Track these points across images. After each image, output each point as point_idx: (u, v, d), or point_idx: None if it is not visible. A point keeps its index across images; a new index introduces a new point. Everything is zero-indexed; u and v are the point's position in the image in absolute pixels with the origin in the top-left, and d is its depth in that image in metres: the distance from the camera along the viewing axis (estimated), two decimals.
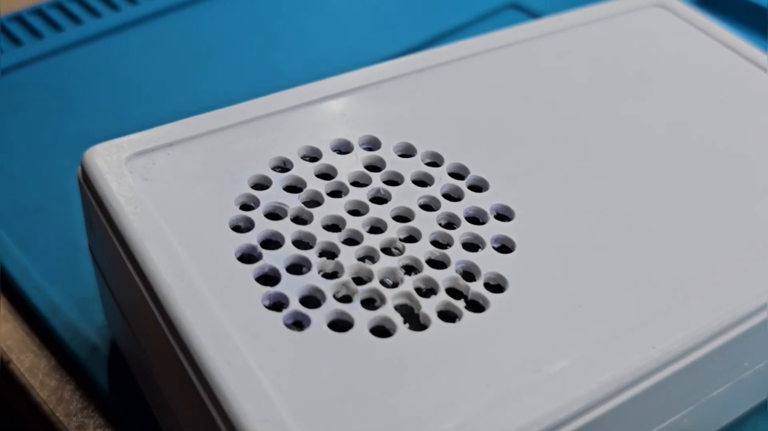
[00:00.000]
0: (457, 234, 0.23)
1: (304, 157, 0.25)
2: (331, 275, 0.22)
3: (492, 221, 0.23)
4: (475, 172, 0.25)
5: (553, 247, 0.23)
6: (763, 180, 0.25)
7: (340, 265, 0.22)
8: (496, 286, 0.22)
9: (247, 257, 0.22)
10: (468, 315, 0.21)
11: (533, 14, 0.45)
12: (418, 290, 0.21)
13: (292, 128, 0.25)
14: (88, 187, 0.23)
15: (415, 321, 0.21)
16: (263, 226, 0.22)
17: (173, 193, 0.23)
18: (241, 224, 0.23)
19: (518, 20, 0.43)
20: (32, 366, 0.28)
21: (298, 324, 0.20)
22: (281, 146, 0.25)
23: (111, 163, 0.23)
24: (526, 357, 0.20)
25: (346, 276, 0.21)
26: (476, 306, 0.21)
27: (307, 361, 0.19)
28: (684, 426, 0.24)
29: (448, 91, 0.28)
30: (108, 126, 0.35)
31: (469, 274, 0.22)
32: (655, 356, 0.20)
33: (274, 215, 0.23)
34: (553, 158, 0.25)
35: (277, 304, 0.21)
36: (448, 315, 0.21)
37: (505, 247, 0.23)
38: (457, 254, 0.22)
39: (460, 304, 0.21)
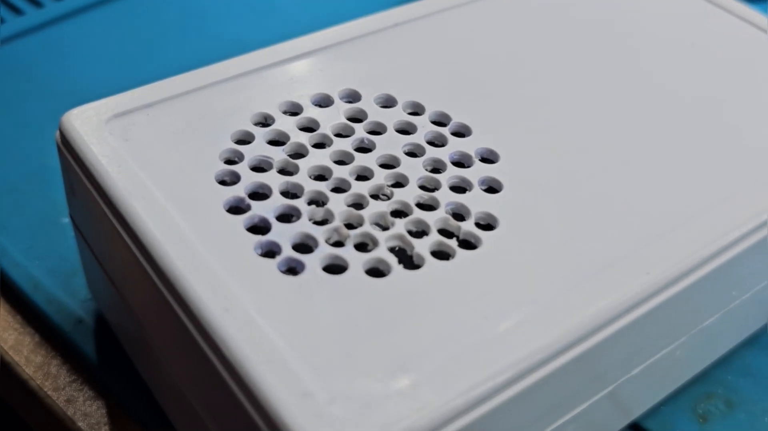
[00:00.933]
0: (444, 178, 0.23)
1: (285, 112, 0.25)
2: (322, 222, 0.21)
3: (477, 164, 0.23)
4: (457, 118, 0.25)
5: (540, 186, 0.23)
6: (739, 114, 0.26)
7: (330, 212, 0.22)
8: (487, 225, 0.22)
9: (236, 209, 0.22)
10: (461, 253, 0.21)
11: None
12: (410, 232, 0.21)
13: (271, 85, 0.25)
14: (67, 150, 0.23)
15: (409, 261, 0.21)
16: (250, 179, 0.22)
17: (155, 151, 0.23)
18: (227, 178, 0.22)
19: None
20: (16, 344, 0.27)
21: (292, 270, 0.20)
22: (261, 103, 0.25)
23: (90, 125, 0.23)
24: (522, 290, 0.20)
25: (337, 222, 0.21)
26: (468, 244, 0.21)
27: (304, 304, 0.19)
28: (676, 358, 0.24)
29: (424, 45, 0.27)
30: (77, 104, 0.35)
31: (458, 215, 0.22)
32: (650, 281, 0.20)
33: (259, 168, 0.23)
34: (533, 103, 0.26)
35: (270, 252, 0.21)
36: (441, 254, 0.21)
37: (492, 188, 0.23)
38: (445, 197, 0.22)
39: (453, 243, 0.21)
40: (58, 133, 0.24)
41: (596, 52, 0.28)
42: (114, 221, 0.21)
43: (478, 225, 0.22)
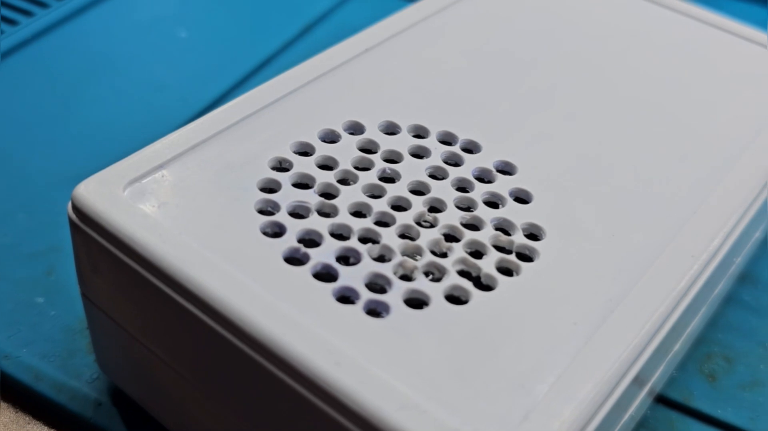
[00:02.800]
0: (476, 196, 0.23)
1: (298, 153, 0.24)
2: (380, 258, 0.21)
3: (500, 177, 0.24)
4: (463, 135, 0.25)
5: (567, 189, 0.24)
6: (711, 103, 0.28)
7: (387, 248, 0.21)
8: (533, 235, 0.23)
9: (294, 260, 0.21)
10: (525, 267, 0.22)
11: None
12: (470, 254, 0.22)
13: (274, 126, 0.25)
14: (89, 226, 0.21)
15: (479, 282, 0.21)
16: (294, 226, 0.22)
17: (188, 213, 0.22)
18: (271, 229, 0.22)
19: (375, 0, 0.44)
20: None
21: (374, 312, 0.20)
22: (273, 146, 0.24)
23: (109, 196, 0.22)
24: (593, 291, 0.21)
25: (398, 257, 0.21)
26: (526, 257, 0.22)
27: (404, 344, 0.19)
28: (695, 328, 0.26)
29: (403, 65, 0.28)
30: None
31: (504, 230, 0.23)
32: (698, 264, 0.22)
33: (298, 214, 0.22)
34: (527, 109, 0.27)
35: (346, 298, 0.20)
36: (507, 271, 0.21)
37: (521, 199, 0.24)
38: (485, 213, 0.23)
39: (513, 258, 0.22)
40: (70, 209, 0.22)
41: (573, 52, 0.29)
42: (172, 293, 0.20)
43: (528, 236, 0.22)
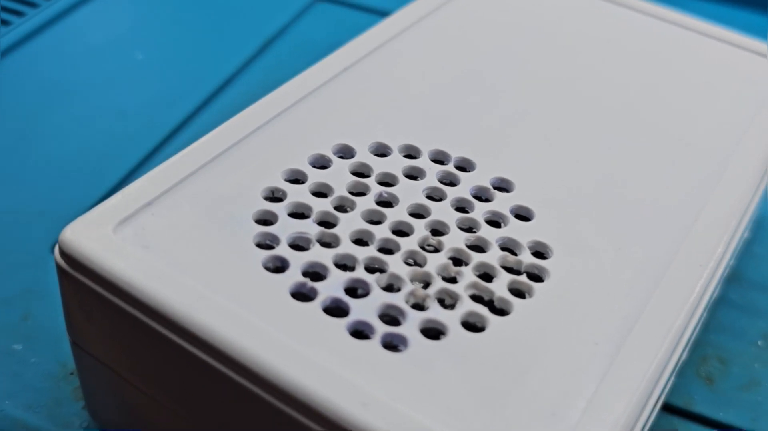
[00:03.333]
0: (477, 216, 0.23)
1: (290, 180, 0.23)
2: (390, 288, 0.21)
3: (498, 194, 0.24)
4: (456, 153, 0.25)
5: (566, 203, 0.23)
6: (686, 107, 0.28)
7: (395, 277, 0.21)
8: (542, 254, 0.22)
9: (302, 295, 0.20)
10: (537, 287, 0.21)
11: (340, 3, 0.45)
12: (480, 277, 0.21)
13: (263, 154, 0.24)
14: (81, 272, 0.20)
15: (495, 308, 0.21)
16: (297, 259, 0.21)
17: (184, 252, 0.21)
18: (272, 264, 0.21)
19: (332, 12, 0.44)
20: None
21: (391, 346, 0.19)
22: (263, 175, 0.23)
23: (100, 239, 0.20)
24: (609, 306, 0.21)
25: (407, 285, 0.21)
26: (536, 277, 0.21)
27: (426, 377, 0.19)
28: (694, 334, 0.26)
29: (384, 84, 0.27)
30: None
31: (510, 250, 0.22)
32: (707, 272, 0.22)
33: (299, 246, 0.21)
34: (515, 122, 0.26)
35: (361, 333, 0.19)
36: (519, 293, 0.21)
37: (524, 216, 0.23)
38: (488, 234, 0.22)
39: (524, 279, 0.21)
40: (57, 255, 0.21)
41: (555, 62, 0.29)
42: (177, 339, 0.19)
43: (535, 255, 0.22)
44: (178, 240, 0.21)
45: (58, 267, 0.21)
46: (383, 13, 0.43)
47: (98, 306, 0.20)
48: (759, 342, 0.30)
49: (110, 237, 0.21)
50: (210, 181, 0.23)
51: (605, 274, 0.22)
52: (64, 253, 0.20)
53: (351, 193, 0.23)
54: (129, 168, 0.33)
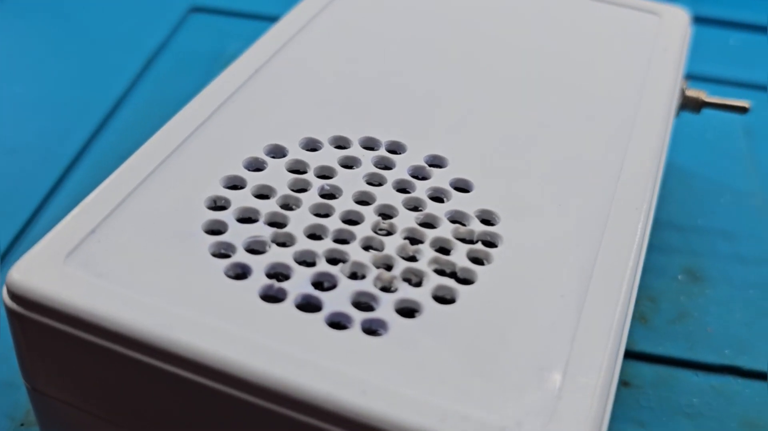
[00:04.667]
0: (420, 194, 0.23)
1: (230, 187, 0.23)
2: (355, 276, 0.21)
3: (435, 171, 0.24)
4: (385, 138, 0.25)
5: (500, 169, 0.24)
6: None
7: (357, 264, 0.21)
8: (489, 221, 0.23)
9: (271, 297, 0.20)
10: (494, 252, 0.22)
11: (215, 11, 0.45)
12: (438, 251, 0.22)
13: (195, 167, 0.23)
14: (38, 312, 0.19)
15: (459, 278, 0.21)
16: (258, 263, 0.21)
17: (142, 273, 0.20)
18: (233, 271, 0.20)
19: (208, 21, 0.43)
20: None
21: (371, 331, 0.19)
22: (201, 187, 0.23)
23: (52, 274, 0.20)
24: (564, 260, 0.21)
25: (372, 271, 0.21)
26: (490, 244, 0.22)
27: (416, 356, 0.19)
28: None
29: (299, 79, 0.27)
30: None
31: (459, 222, 0.23)
32: (642, 216, 0.23)
33: (255, 251, 0.21)
34: (433, 99, 0.27)
35: (338, 323, 0.20)
36: (479, 261, 0.22)
37: (463, 188, 0.24)
38: (435, 209, 0.23)
39: (480, 247, 0.22)
40: (6, 298, 0.20)
41: (462, 35, 0.30)
42: (158, 362, 0.19)
43: (484, 222, 0.23)
44: (133, 264, 0.20)
45: (10, 311, 0.20)
46: (260, 17, 0.43)
47: (61, 344, 0.19)
48: (679, 277, 0.32)
49: (62, 271, 0.20)
50: (150, 200, 0.22)
51: (553, 230, 0.22)
52: (14, 295, 0.19)
53: (293, 190, 0.23)
54: (34, 206, 0.32)
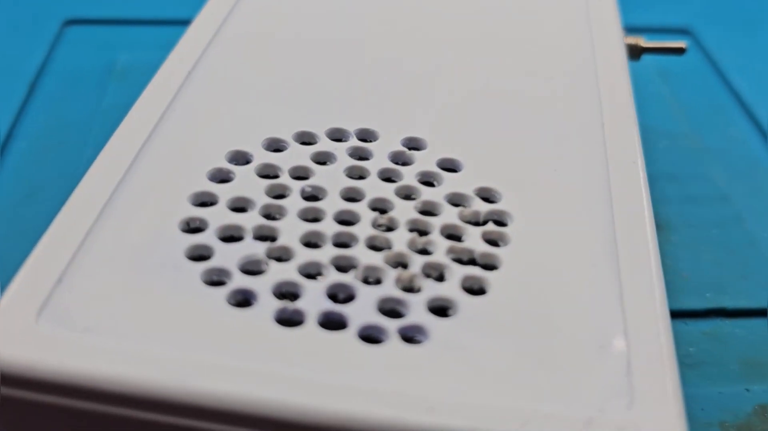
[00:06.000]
0: (408, 181, 0.21)
1: (200, 204, 0.20)
2: (369, 281, 0.19)
3: (416, 154, 0.22)
4: (353, 127, 0.23)
5: (482, 144, 0.23)
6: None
7: (371, 269, 0.19)
8: (490, 199, 0.21)
9: (288, 321, 0.17)
10: (507, 232, 0.20)
11: (93, 22, 0.41)
12: (449, 238, 0.20)
13: (155, 186, 0.20)
14: (16, 385, 0.16)
15: (483, 265, 0.19)
16: (262, 285, 0.18)
17: (133, 319, 0.17)
18: (235, 299, 0.18)
19: (86, 33, 0.39)
20: None
21: (411, 339, 0.17)
22: (169, 209, 0.20)
23: (28, 340, 0.16)
24: (580, 223, 0.20)
25: (388, 272, 0.19)
26: (501, 223, 0.20)
27: (467, 360, 0.17)
28: None
29: (239, 76, 0.24)
30: None
31: (460, 204, 0.21)
32: (640, 167, 0.22)
33: (252, 271, 0.19)
34: (390, 80, 0.25)
35: (372, 338, 0.17)
36: (495, 243, 0.20)
37: (451, 168, 0.22)
38: (430, 195, 0.21)
39: (493, 228, 0.20)
40: None
41: (383, 14, 0.28)
42: (176, 419, 0.16)
43: (485, 200, 0.21)
44: (117, 310, 0.17)
45: None
46: (142, 23, 0.40)
47: (53, 420, 0.16)
48: None
49: (39, 333, 0.16)
50: (115, 232, 0.19)
51: (558, 197, 0.21)
52: None
53: (272, 197, 0.21)
54: None
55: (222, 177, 0.21)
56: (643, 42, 0.30)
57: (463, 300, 0.18)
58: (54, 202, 0.29)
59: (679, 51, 0.30)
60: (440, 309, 0.18)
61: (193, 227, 0.20)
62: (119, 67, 0.37)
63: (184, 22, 0.41)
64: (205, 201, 0.20)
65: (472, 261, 0.19)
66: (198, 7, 0.41)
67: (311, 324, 0.17)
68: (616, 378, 0.16)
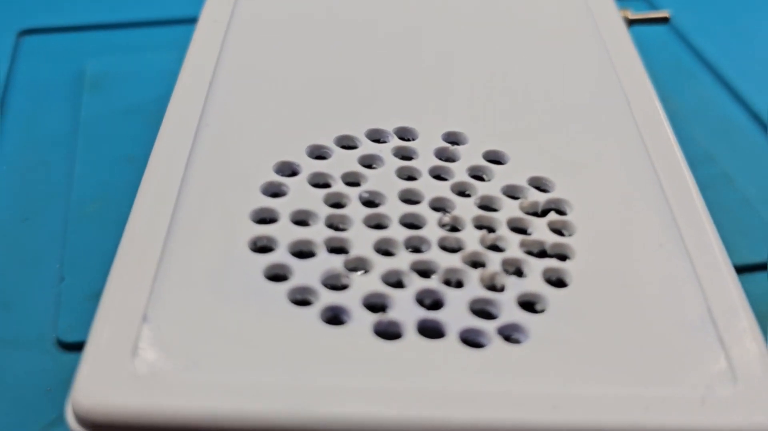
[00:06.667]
0: (462, 176, 0.21)
1: (260, 221, 0.20)
2: (455, 283, 0.19)
3: (461, 150, 0.22)
4: (390, 126, 0.23)
5: (521, 134, 0.23)
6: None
7: (451, 270, 0.19)
8: (544, 189, 0.21)
9: (386, 334, 0.17)
10: (571, 220, 0.20)
11: (51, 30, 0.39)
12: (514, 231, 0.20)
13: (211, 208, 0.20)
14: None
15: (556, 254, 0.19)
16: (350, 300, 0.18)
17: (232, 352, 0.17)
18: (326, 316, 0.18)
19: (45, 43, 0.38)
20: None
21: (511, 339, 0.17)
22: (231, 229, 0.19)
23: (126, 386, 0.16)
24: (635, 205, 0.20)
25: (471, 273, 0.19)
26: (560, 211, 0.21)
27: (573, 353, 0.17)
28: None
29: (261, 84, 0.24)
30: None
31: (514, 196, 0.21)
32: (675, 148, 0.23)
33: (335, 286, 0.18)
34: (411, 75, 0.25)
35: (474, 342, 0.17)
36: (561, 233, 0.20)
37: (497, 161, 0.22)
38: (485, 189, 0.21)
39: (555, 217, 0.20)
40: (76, 427, 0.16)
41: (388, 14, 0.27)
42: None
43: (539, 189, 0.21)
44: (213, 341, 0.17)
45: None
46: (103, 27, 0.38)
47: None
48: None
49: (141, 377, 0.16)
50: (185, 260, 0.18)
51: (610, 181, 0.21)
52: (91, 424, 0.15)
53: (331, 206, 0.20)
54: None
55: (275, 191, 0.21)
56: (631, 14, 0.31)
57: (550, 293, 0.18)
58: (54, 226, 0.28)
59: (664, 20, 0.31)
60: (529, 305, 0.18)
61: (261, 246, 0.19)
62: (89, 75, 0.35)
63: (146, 24, 0.40)
64: (265, 217, 0.20)
65: (543, 253, 0.19)
66: (156, 8, 0.40)
67: (411, 334, 0.17)
68: (713, 354, 0.17)
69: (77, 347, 0.25)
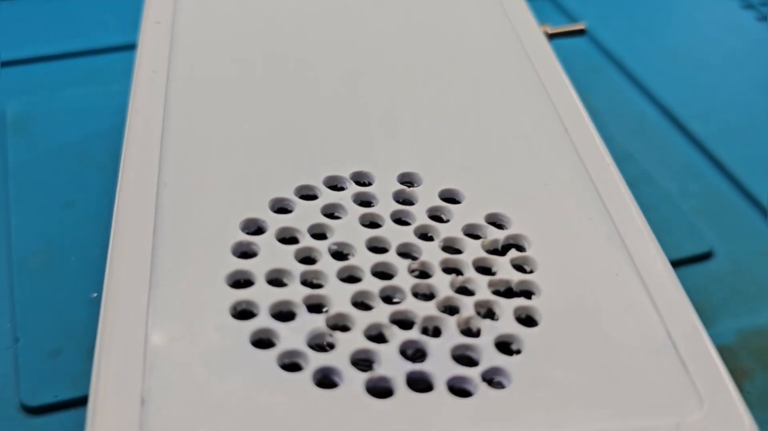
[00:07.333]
0: (422, 219, 0.22)
1: (234, 285, 0.20)
2: (432, 331, 0.19)
3: (415, 191, 0.23)
4: (346, 172, 0.23)
5: (471, 168, 0.24)
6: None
7: (429, 319, 0.20)
8: (500, 225, 0.22)
9: (376, 390, 0.18)
10: (532, 256, 0.21)
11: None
12: (479, 271, 0.21)
13: (187, 272, 0.20)
14: None
15: (522, 291, 0.21)
16: (336, 360, 0.19)
17: (220, 428, 0.17)
18: (316, 379, 0.18)
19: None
20: None
21: (495, 383, 0.19)
22: (209, 295, 0.20)
23: None
24: (588, 233, 0.22)
25: (447, 319, 0.20)
26: (519, 247, 0.22)
27: (557, 392, 0.18)
28: None
29: (209, 130, 0.24)
30: None
31: (475, 235, 0.22)
32: (611, 167, 0.24)
33: (318, 346, 0.19)
34: (349, 117, 0.25)
35: (460, 390, 0.18)
36: (523, 269, 0.21)
37: (454, 199, 0.23)
38: (445, 231, 0.22)
39: (516, 254, 0.21)
40: None
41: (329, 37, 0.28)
42: None
43: (496, 226, 0.22)
44: (214, 418, 0.17)
45: None
46: (12, 63, 0.37)
47: None
48: None
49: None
50: (173, 334, 0.19)
51: (559, 211, 0.22)
52: None
53: (300, 261, 0.21)
54: None
55: (245, 250, 0.21)
56: (549, 29, 0.32)
57: (523, 332, 0.19)
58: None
59: (581, 32, 0.33)
60: (505, 345, 0.19)
61: (241, 310, 0.20)
62: (11, 117, 0.34)
63: (60, 57, 0.39)
64: (239, 280, 0.20)
65: (510, 291, 0.21)
66: (62, 40, 0.38)
67: (402, 389, 0.18)
68: (679, 379, 0.19)
69: (43, 410, 0.25)
